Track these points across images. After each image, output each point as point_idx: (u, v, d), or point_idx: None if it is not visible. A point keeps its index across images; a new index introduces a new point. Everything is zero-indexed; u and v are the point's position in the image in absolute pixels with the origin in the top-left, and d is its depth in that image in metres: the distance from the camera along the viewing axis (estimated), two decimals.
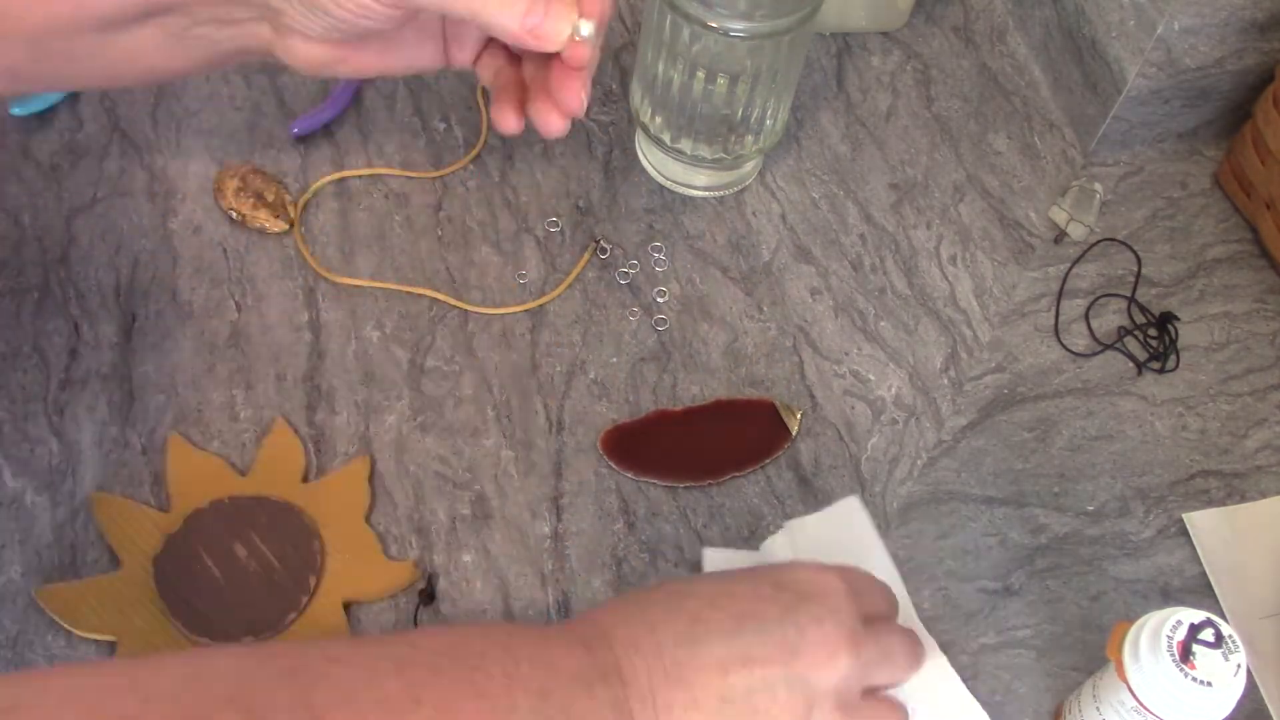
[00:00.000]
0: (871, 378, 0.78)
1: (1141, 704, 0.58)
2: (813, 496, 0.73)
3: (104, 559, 0.67)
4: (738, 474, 0.73)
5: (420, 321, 0.77)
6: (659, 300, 0.79)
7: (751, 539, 0.71)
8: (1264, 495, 0.76)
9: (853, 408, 0.76)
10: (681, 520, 0.71)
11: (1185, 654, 0.57)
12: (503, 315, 0.77)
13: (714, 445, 0.73)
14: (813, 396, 0.76)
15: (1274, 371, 0.81)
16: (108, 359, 0.73)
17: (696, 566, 0.70)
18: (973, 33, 0.94)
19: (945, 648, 0.69)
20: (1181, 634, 0.57)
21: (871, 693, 0.60)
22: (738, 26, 0.71)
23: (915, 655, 0.61)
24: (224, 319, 0.76)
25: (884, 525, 0.72)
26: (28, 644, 0.64)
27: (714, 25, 0.71)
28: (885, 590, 0.62)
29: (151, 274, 0.77)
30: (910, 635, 0.62)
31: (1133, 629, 0.59)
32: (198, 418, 0.72)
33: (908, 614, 0.69)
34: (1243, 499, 0.75)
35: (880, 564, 0.70)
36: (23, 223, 0.78)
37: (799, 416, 0.74)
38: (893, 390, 0.78)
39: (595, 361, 0.76)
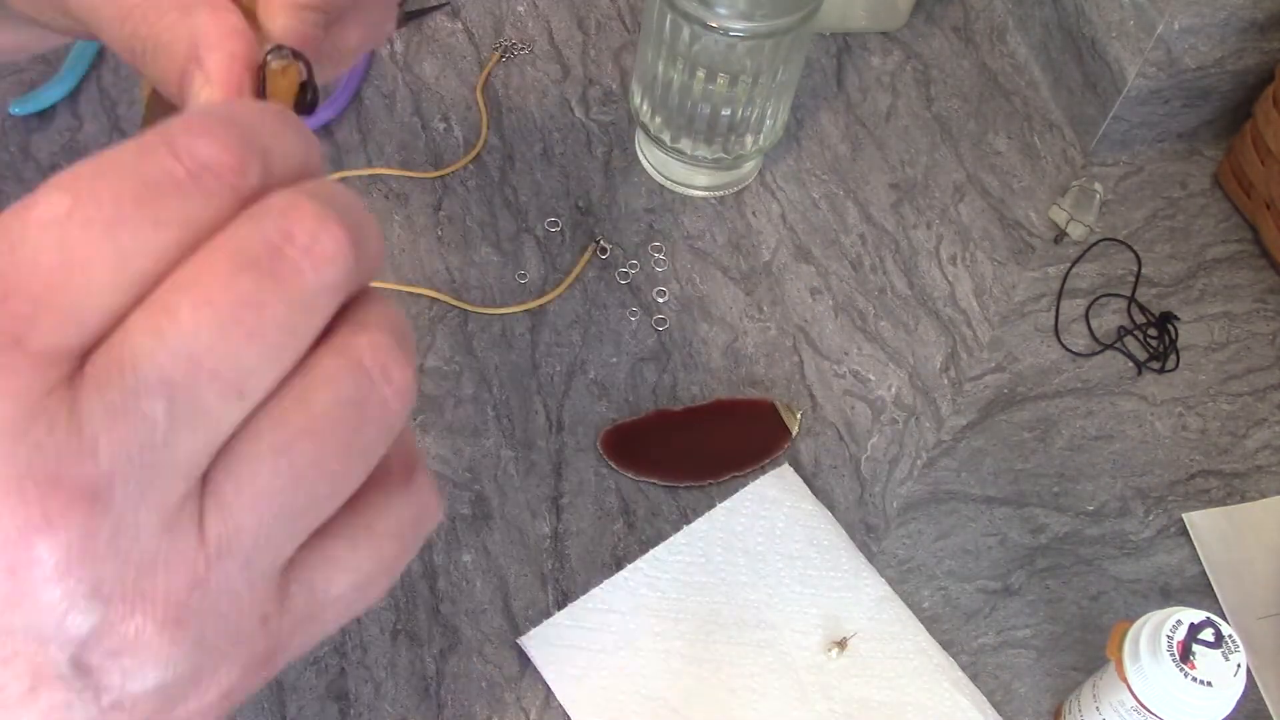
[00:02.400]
0: (871, 378, 0.78)
1: (1141, 704, 0.58)
2: (813, 496, 0.73)
3: None
4: (738, 474, 0.73)
5: (420, 321, 0.77)
6: (659, 300, 0.79)
7: None
8: (1264, 495, 0.76)
9: (853, 408, 0.76)
10: (681, 520, 0.71)
11: (1185, 654, 0.57)
12: (503, 315, 0.77)
13: (714, 445, 0.73)
14: (813, 396, 0.76)
15: (1274, 371, 0.81)
16: None
17: None
18: (973, 33, 0.94)
19: (945, 647, 0.69)
20: (1181, 634, 0.57)
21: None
22: (738, 26, 0.71)
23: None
24: None
25: (884, 525, 0.73)
26: None
27: (714, 25, 0.71)
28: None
29: None
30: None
31: (1132, 629, 0.59)
32: None
33: (899, 614, 0.69)
34: (1243, 499, 0.75)
35: (824, 530, 0.70)
36: None
37: (799, 416, 0.74)
38: (893, 390, 0.78)
39: (595, 361, 0.76)
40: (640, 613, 0.67)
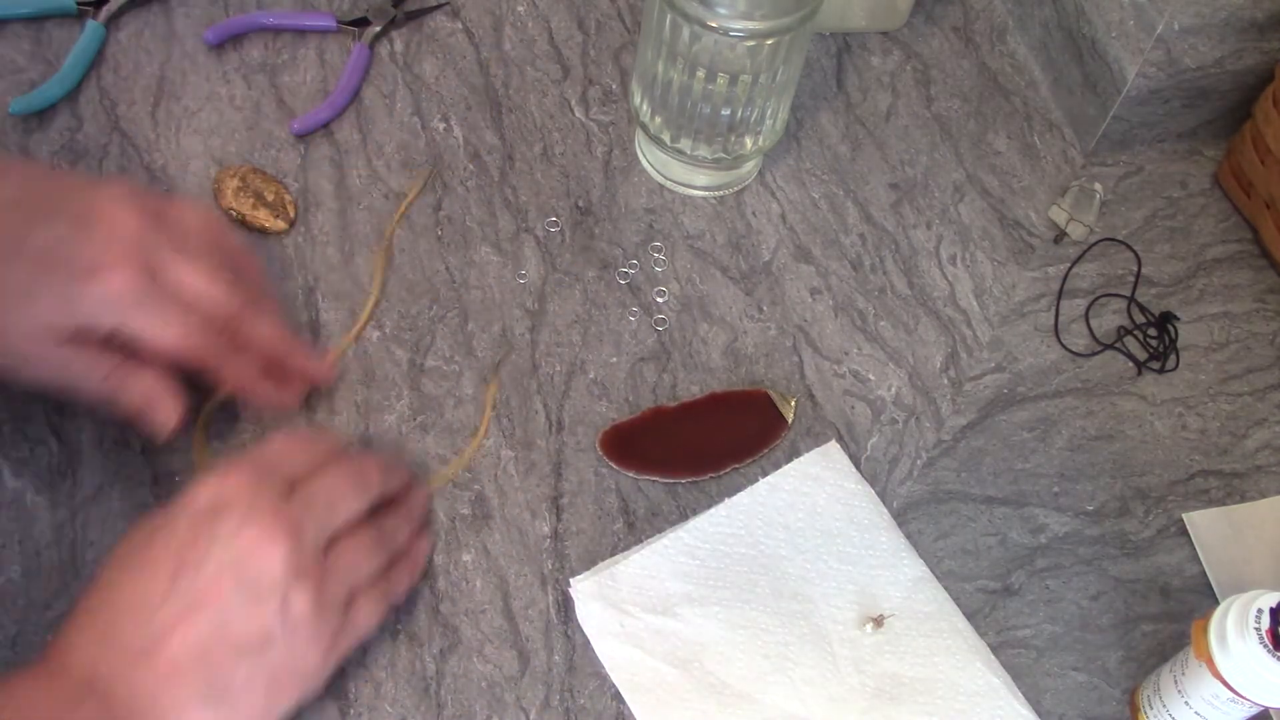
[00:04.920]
0: (871, 378, 0.78)
1: (1238, 693, 0.59)
2: None
3: (103, 559, 0.67)
4: (738, 465, 0.73)
5: (420, 321, 0.77)
6: (659, 300, 0.79)
7: None
8: (1264, 495, 0.76)
9: (853, 408, 0.76)
10: (681, 520, 0.71)
11: (1277, 641, 0.58)
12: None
13: (712, 439, 0.74)
14: (813, 396, 0.76)
15: (1274, 371, 0.81)
16: None
17: None
18: (973, 33, 0.94)
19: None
20: (1266, 622, 0.58)
21: (345, 536, 0.61)
22: (738, 26, 0.71)
23: (360, 479, 0.62)
24: None
25: None
26: (27, 644, 0.64)
27: (714, 25, 0.71)
28: (300, 444, 0.63)
29: None
30: (346, 467, 0.62)
31: (1213, 623, 0.59)
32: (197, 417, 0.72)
33: (933, 595, 0.69)
34: (1243, 499, 0.75)
35: (865, 509, 0.71)
36: None
37: (793, 404, 0.75)
38: (893, 390, 0.78)
39: (595, 361, 0.76)
40: (678, 579, 0.68)
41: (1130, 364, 0.80)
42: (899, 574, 0.70)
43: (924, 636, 0.68)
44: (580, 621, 0.67)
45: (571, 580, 0.68)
